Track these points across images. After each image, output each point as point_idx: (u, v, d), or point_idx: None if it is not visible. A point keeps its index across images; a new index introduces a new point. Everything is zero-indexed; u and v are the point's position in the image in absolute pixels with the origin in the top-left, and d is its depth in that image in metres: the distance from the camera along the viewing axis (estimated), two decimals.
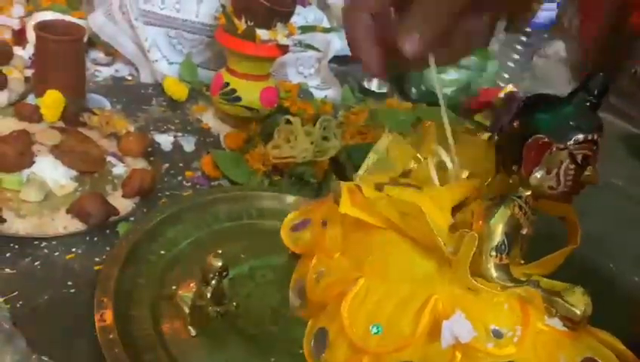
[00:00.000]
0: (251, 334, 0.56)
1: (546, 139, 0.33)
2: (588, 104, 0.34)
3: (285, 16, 0.81)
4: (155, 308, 0.56)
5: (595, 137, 0.33)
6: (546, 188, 0.34)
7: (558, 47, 1.44)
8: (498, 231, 0.36)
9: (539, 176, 0.34)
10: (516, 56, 1.25)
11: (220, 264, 0.53)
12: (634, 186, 0.93)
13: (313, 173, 0.81)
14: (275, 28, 0.81)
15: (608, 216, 0.79)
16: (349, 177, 0.82)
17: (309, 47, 0.92)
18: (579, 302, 0.33)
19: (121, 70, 0.95)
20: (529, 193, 0.36)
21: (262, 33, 0.79)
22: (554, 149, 0.33)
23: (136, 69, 0.95)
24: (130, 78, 0.95)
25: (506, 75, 1.25)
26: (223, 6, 0.84)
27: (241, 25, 0.79)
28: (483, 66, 1.14)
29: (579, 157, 0.33)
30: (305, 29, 0.88)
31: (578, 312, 0.33)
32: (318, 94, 1.03)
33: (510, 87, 1.18)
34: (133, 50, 0.92)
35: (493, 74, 1.18)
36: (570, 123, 0.33)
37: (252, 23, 0.79)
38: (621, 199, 0.87)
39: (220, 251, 0.54)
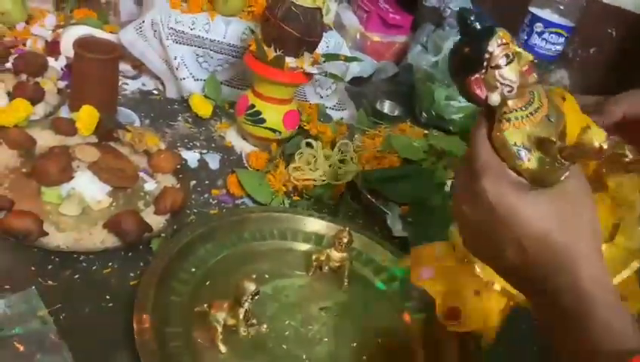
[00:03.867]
0: (278, 355, 0.60)
1: (474, 76, 0.41)
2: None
3: (313, 46, 0.85)
4: (188, 325, 0.60)
5: (495, 40, 0.40)
6: (506, 92, 0.41)
7: (562, 75, 1.50)
8: None
9: (495, 97, 0.41)
10: None
11: (253, 287, 0.57)
12: None
13: (331, 195, 0.85)
14: (302, 56, 0.84)
15: None
16: (364, 201, 0.87)
17: (333, 76, 0.96)
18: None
19: (148, 84, 0.99)
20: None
21: (290, 61, 0.83)
22: (482, 76, 0.41)
23: (162, 84, 0.99)
24: (156, 92, 0.98)
25: None
26: (252, 31, 0.88)
27: (271, 52, 0.83)
28: None
29: (500, 61, 0.40)
30: (329, 57, 0.91)
31: None
32: (335, 115, 1.07)
33: None
34: (162, 66, 0.96)
35: None
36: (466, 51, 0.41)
37: (281, 51, 0.82)
38: None
39: (254, 276, 0.57)
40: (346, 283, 0.70)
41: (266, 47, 0.83)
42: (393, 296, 0.72)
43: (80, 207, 0.68)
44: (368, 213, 0.86)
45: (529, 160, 0.41)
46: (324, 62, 0.90)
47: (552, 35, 1.22)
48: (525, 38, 1.24)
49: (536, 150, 0.41)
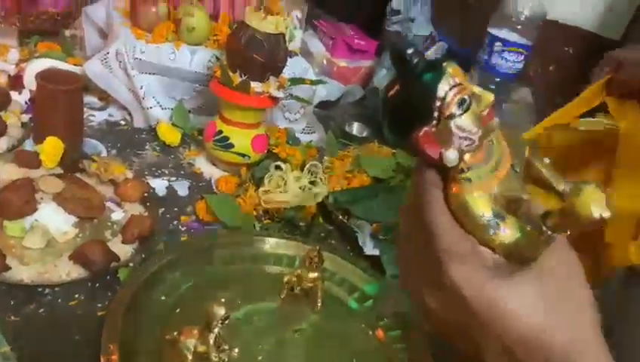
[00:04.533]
0: None
1: (422, 131, 0.32)
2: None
3: (278, 71, 0.86)
4: (158, 354, 0.58)
5: (446, 81, 0.31)
6: (465, 146, 0.32)
7: (525, 93, 1.54)
8: None
9: (452, 155, 0.32)
10: None
11: (222, 312, 0.56)
12: None
13: (302, 217, 0.85)
14: (267, 81, 0.85)
15: None
16: (335, 222, 0.87)
17: (299, 99, 0.97)
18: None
19: (115, 115, 0.98)
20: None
21: (256, 85, 0.84)
22: (432, 130, 0.32)
23: (130, 114, 0.98)
24: (123, 122, 0.98)
25: None
26: (218, 58, 0.88)
27: (237, 77, 0.83)
28: None
29: (455, 109, 0.32)
30: (294, 81, 0.93)
31: None
32: (304, 138, 1.07)
33: None
34: (128, 96, 0.96)
35: None
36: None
37: (246, 77, 0.83)
38: None
39: (223, 300, 0.57)
40: (319, 304, 0.70)
41: (231, 73, 0.84)
42: (367, 315, 0.72)
43: (44, 239, 0.67)
44: (340, 233, 0.86)
45: (503, 231, 0.32)
46: (290, 86, 0.91)
47: (511, 53, 1.25)
48: (486, 57, 1.27)
49: (509, 215, 0.33)
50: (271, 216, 0.84)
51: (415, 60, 0.32)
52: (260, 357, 0.62)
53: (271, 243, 0.77)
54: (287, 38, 0.85)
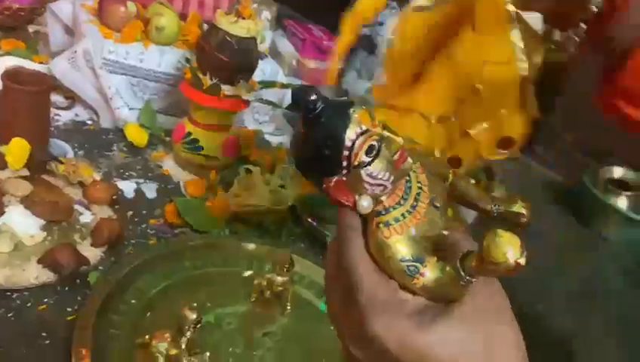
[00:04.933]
0: None
1: (332, 181, 0.32)
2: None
3: (248, 74, 0.87)
4: (130, 358, 0.59)
5: (353, 129, 0.31)
6: (379, 191, 0.32)
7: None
8: None
9: (365, 202, 0.32)
10: None
11: (194, 316, 0.57)
12: (558, 231, 1.03)
13: (272, 221, 0.86)
14: (238, 84, 0.86)
15: (535, 261, 0.88)
16: (305, 225, 0.88)
17: (270, 103, 0.98)
18: None
19: (81, 114, 0.97)
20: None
21: (226, 88, 0.84)
22: (343, 178, 0.32)
23: (96, 114, 0.97)
24: (90, 122, 0.97)
25: None
26: (188, 60, 0.88)
27: (207, 80, 0.84)
28: None
29: (364, 157, 0.31)
30: (265, 85, 0.93)
31: None
32: (274, 140, 1.08)
33: None
34: (95, 96, 0.95)
35: None
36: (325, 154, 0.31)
37: (217, 80, 0.84)
38: (546, 245, 0.97)
39: (195, 304, 0.57)
40: (288, 307, 0.71)
41: (201, 76, 0.84)
42: None
43: (12, 243, 0.66)
44: (310, 236, 0.87)
45: (423, 274, 0.31)
46: (261, 88, 0.92)
47: None
48: None
49: (430, 256, 0.32)
50: (240, 220, 0.85)
51: (319, 107, 0.31)
52: (230, 360, 0.63)
53: (241, 247, 0.78)
54: (258, 41, 0.86)
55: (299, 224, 0.89)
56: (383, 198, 0.32)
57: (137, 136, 0.93)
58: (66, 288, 0.65)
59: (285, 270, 0.70)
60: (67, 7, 1.02)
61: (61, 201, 0.73)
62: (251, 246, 0.79)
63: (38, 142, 0.79)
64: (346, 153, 0.31)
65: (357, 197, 0.32)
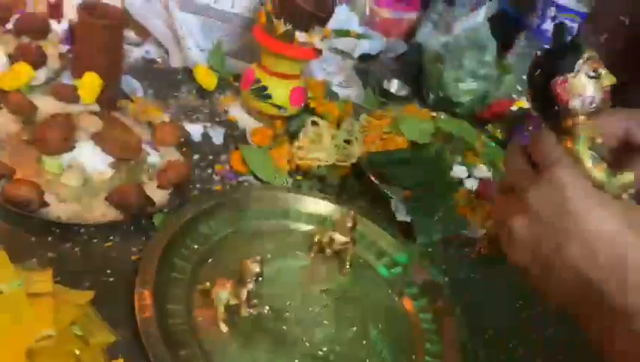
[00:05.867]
0: (278, 334, 0.60)
1: (561, 78, 0.41)
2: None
3: (323, 21, 0.83)
4: (189, 303, 0.59)
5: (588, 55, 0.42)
6: (587, 104, 0.41)
7: None
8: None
9: (577, 102, 0.41)
10: None
11: (258, 269, 0.56)
12: None
13: (335, 176, 0.84)
14: (312, 30, 0.82)
15: None
16: (367, 183, 0.86)
17: (344, 53, 0.94)
18: None
19: (151, 52, 0.96)
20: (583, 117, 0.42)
21: (300, 36, 0.81)
22: (567, 80, 0.41)
23: (167, 52, 0.96)
24: (160, 60, 0.96)
25: (520, 88, 1.28)
26: (262, 4, 0.85)
27: (281, 26, 0.81)
28: (500, 78, 1.16)
29: (590, 72, 0.41)
30: (339, 33, 0.89)
31: None
32: (341, 92, 1.05)
33: (523, 101, 1.21)
34: (166, 33, 0.93)
35: (509, 86, 1.21)
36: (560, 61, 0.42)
37: (291, 26, 0.80)
38: None
39: (259, 257, 0.57)
40: (347, 267, 0.70)
41: (275, 21, 0.81)
42: (394, 282, 0.72)
43: (82, 178, 0.67)
44: (372, 196, 0.85)
45: (598, 170, 0.41)
46: (335, 37, 0.88)
47: (565, 20, 1.19)
48: (538, 22, 1.21)
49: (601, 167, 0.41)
50: (304, 172, 0.83)
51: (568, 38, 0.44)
52: (286, 314, 0.63)
53: (303, 201, 0.77)
54: None
55: (362, 182, 0.87)
56: (582, 118, 0.42)
57: (206, 78, 0.92)
58: (132, 227, 0.65)
59: (348, 230, 0.68)
60: None
61: (131, 140, 0.73)
62: (313, 200, 0.77)
63: (111, 78, 0.79)
64: (577, 68, 0.41)
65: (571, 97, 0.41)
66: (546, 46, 1.27)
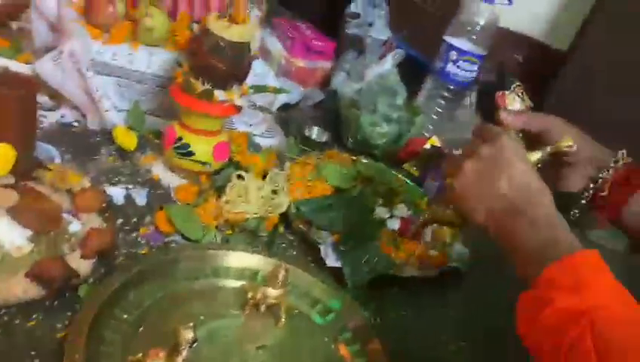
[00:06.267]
0: None
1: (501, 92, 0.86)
2: None
3: (241, 79, 0.85)
4: None
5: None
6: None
7: (473, 98, 1.59)
8: None
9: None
10: (440, 110, 1.36)
11: (191, 335, 0.56)
12: None
13: (264, 228, 0.85)
14: (231, 89, 0.84)
15: None
16: (296, 231, 0.87)
17: (262, 109, 0.96)
18: None
19: (67, 115, 0.94)
20: None
21: (219, 94, 0.83)
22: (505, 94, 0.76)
23: (83, 115, 0.95)
24: (76, 124, 0.94)
25: (431, 127, 1.35)
26: (179, 64, 0.86)
27: (199, 85, 0.82)
28: (412, 120, 1.23)
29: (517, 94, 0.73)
30: (257, 89, 0.92)
31: None
32: (264, 142, 1.07)
33: (434, 139, 1.28)
34: (82, 97, 0.92)
35: (421, 126, 1.28)
36: None
37: (210, 85, 0.82)
38: None
39: (192, 324, 0.56)
40: (282, 320, 0.71)
41: (193, 80, 0.82)
42: (329, 329, 0.73)
43: None
44: (302, 244, 0.87)
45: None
46: (253, 93, 0.91)
47: (465, 62, 1.28)
48: (442, 65, 1.30)
49: None
50: (232, 227, 0.84)
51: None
52: None
53: (233, 257, 0.77)
54: (251, 47, 0.84)
55: (290, 231, 0.89)
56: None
57: (126, 139, 0.91)
58: (55, 303, 0.63)
59: (280, 283, 0.69)
60: (52, 3, 0.99)
61: (49, 210, 0.71)
62: (243, 255, 0.78)
63: (25, 147, 0.76)
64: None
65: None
66: (451, 86, 1.39)
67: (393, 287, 0.84)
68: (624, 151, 0.62)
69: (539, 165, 0.64)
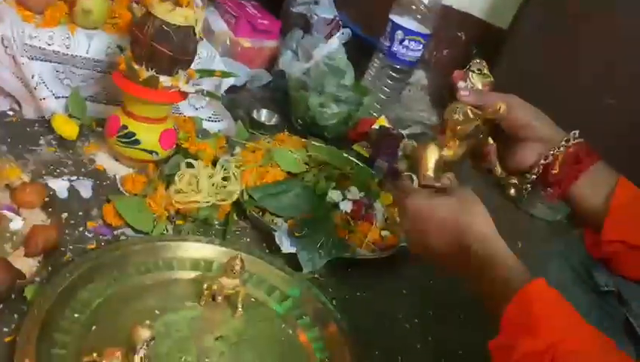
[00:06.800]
0: None
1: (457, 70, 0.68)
2: None
3: (187, 64, 0.83)
4: None
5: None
6: (469, 88, 0.66)
7: (420, 76, 1.61)
8: None
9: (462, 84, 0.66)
10: (387, 90, 1.37)
11: (148, 334, 0.55)
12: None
13: (216, 216, 0.84)
14: (176, 75, 0.82)
15: None
16: (250, 218, 0.87)
17: (210, 94, 0.94)
18: None
19: (1, 104, 0.89)
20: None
21: (164, 80, 0.80)
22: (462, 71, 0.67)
23: (18, 103, 0.90)
24: (11, 113, 0.89)
25: (379, 106, 1.36)
26: (120, 48, 0.83)
27: (143, 72, 0.79)
28: (360, 100, 1.23)
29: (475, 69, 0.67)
30: (204, 74, 0.89)
31: None
32: (211, 126, 1.04)
33: (383, 119, 1.30)
34: (16, 85, 0.87)
35: (369, 106, 1.28)
36: None
37: (154, 71, 0.79)
38: None
39: (148, 322, 0.55)
40: (240, 309, 0.70)
41: (137, 67, 0.79)
42: (287, 315, 0.73)
43: None
44: (256, 231, 0.86)
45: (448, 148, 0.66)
46: (200, 77, 0.88)
47: (411, 42, 1.29)
48: (388, 45, 1.30)
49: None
50: (183, 217, 0.82)
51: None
52: None
53: (186, 248, 0.76)
54: (197, 30, 0.81)
55: (244, 218, 0.88)
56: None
57: (66, 127, 0.87)
58: (1, 306, 0.60)
59: (237, 273, 0.68)
60: None
61: None
62: (196, 245, 0.76)
63: None
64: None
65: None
66: (397, 66, 1.38)
67: (348, 269, 0.85)
68: (576, 132, 0.63)
69: (487, 141, 0.66)
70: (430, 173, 0.63)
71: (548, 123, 0.66)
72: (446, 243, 0.58)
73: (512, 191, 0.67)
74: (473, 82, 0.66)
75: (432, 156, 0.63)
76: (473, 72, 0.66)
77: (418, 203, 0.60)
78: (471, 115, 0.63)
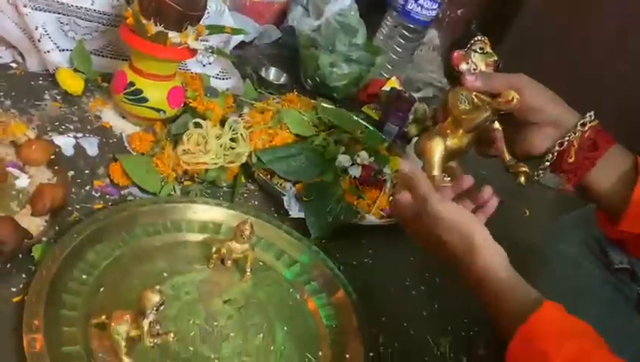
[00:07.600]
0: (184, 358, 0.59)
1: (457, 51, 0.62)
2: None
3: (196, 19, 0.80)
4: (87, 340, 0.56)
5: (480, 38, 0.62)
6: (472, 70, 0.61)
7: (432, 35, 1.56)
8: None
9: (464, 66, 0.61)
10: (399, 49, 1.34)
11: (157, 299, 0.54)
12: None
13: (224, 178, 0.83)
14: (185, 30, 0.79)
15: None
16: (258, 181, 0.85)
17: (221, 53, 0.91)
18: None
19: (4, 56, 0.86)
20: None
21: (172, 36, 0.77)
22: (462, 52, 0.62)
23: (21, 55, 0.87)
24: (15, 65, 0.86)
25: (390, 67, 1.33)
26: (128, 2, 0.79)
27: (151, 27, 0.76)
28: (372, 60, 1.20)
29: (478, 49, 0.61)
30: (213, 30, 0.86)
31: None
32: (219, 84, 1.02)
33: (394, 80, 1.27)
34: (20, 36, 0.84)
35: (381, 66, 1.25)
36: None
37: (162, 26, 0.76)
38: None
39: (158, 287, 0.55)
40: (248, 273, 0.70)
41: (145, 22, 0.76)
42: (295, 280, 0.73)
43: None
44: (264, 193, 0.85)
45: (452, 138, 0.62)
46: (209, 34, 0.85)
47: (427, 0, 1.25)
48: (402, 2, 1.26)
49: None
50: (191, 177, 0.81)
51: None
52: (191, 333, 0.62)
53: (195, 209, 0.75)
54: None
55: (252, 180, 0.86)
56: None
57: (71, 82, 0.84)
58: (9, 266, 0.60)
59: (246, 237, 0.68)
60: None
61: None
62: (205, 208, 0.76)
63: None
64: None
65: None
66: (411, 25, 1.35)
67: (356, 235, 0.84)
68: (592, 113, 0.58)
69: (493, 125, 0.61)
70: (437, 172, 0.60)
71: (560, 104, 0.60)
72: (454, 256, 0.57)
73: (522, 179, 0.62)
74: (476, 62, 0.60)
75: (437, 150, 0.60)
76: (475, 51, 0.60)
77: (438, 211, 0.56)
78: (478, 102, 0.58)
